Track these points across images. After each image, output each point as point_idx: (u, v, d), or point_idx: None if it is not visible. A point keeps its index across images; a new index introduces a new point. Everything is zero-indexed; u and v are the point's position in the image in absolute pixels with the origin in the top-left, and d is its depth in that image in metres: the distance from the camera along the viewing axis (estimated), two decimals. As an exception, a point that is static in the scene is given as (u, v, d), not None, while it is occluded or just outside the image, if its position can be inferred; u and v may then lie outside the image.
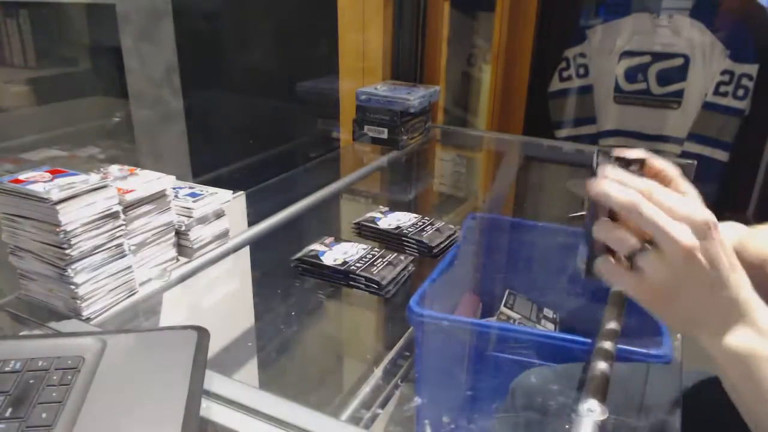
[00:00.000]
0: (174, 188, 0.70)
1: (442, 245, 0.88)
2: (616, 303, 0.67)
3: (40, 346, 0.49)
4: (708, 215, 0.46)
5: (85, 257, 0.57)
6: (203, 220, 0.72)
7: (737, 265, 0.48)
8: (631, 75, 1.82)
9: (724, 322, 0.47)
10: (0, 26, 0.92)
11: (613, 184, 0.47)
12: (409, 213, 0.96)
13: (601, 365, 0.56)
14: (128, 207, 0.62)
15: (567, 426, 0.50)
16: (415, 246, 0.87)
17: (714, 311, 0.47)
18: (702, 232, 0.45)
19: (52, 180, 0.56)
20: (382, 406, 1.03)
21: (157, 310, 0.67)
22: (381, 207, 0.98)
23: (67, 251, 0.55)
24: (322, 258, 0.81)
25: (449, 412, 0.84)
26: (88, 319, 0.59)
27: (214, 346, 0.51)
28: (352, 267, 0.79)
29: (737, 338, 0.46)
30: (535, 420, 0.70)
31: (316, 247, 0.85)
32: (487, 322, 1.01)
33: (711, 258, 0.46)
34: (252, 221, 0.86)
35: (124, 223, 0.60)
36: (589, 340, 0.71)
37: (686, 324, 0.50)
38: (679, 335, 0.70)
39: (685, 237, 0.45)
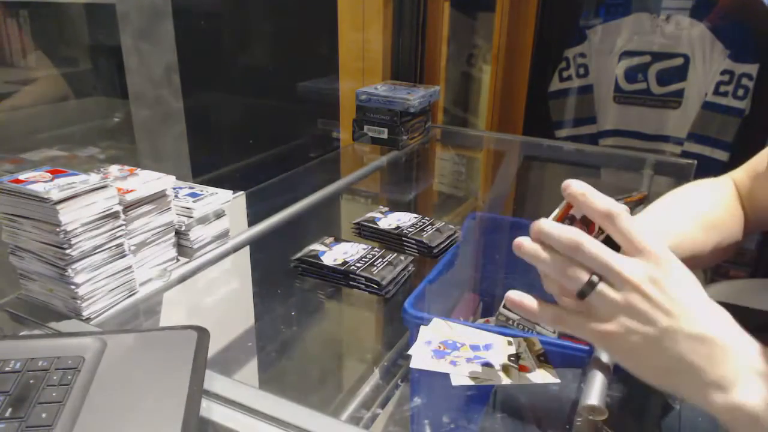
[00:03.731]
0: (174, 188, 0.70)
1: (442, 245, 0.88)
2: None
3: (40, 346, 0.49)
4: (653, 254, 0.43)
5: (85, 257, 0.57)
6: (203, 220, 0.72)
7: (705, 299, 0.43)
8: (631, 75, 1.82)
9: (714, 367, 0.40)
10: (0, 26, 0.92)
11: (553, 224, 0.46)
12: (409, 213, 0.96)
13: (599, 368, 0.56)
14: (128, 207, 0.62)
15: (567, 426, 0.50)
16: (415, 246, 0.87)
17: (694, 354, 0.40)
18: (653, 263, 0.43)
19: (52, 180, 0.56)
20: (382, 406, 1.03)
21: (157, 310, 0.67)
22: (381, 207, 0.98)
23: (67, 251, 0.55)
24: (322, 258, 0.81)
25: (445, 413, 0.84)
26: (88, 319, 0.59)
27: (214, 346, 0.51)
28: (352, 267, 0.79)
29: (745, 393, 0.38)
30: (517, 422, 0.70)
31: (316, 247, 0.85)
32: (481, 325, 1.01)
33: (662, 286, 0.42)
34: (252, 221, 0.86)
35: (124, 223, 0.60)
36: (580, 346, 0.71)
37: (664, 376, 0.43)
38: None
39: (630, 265, 0.43)
